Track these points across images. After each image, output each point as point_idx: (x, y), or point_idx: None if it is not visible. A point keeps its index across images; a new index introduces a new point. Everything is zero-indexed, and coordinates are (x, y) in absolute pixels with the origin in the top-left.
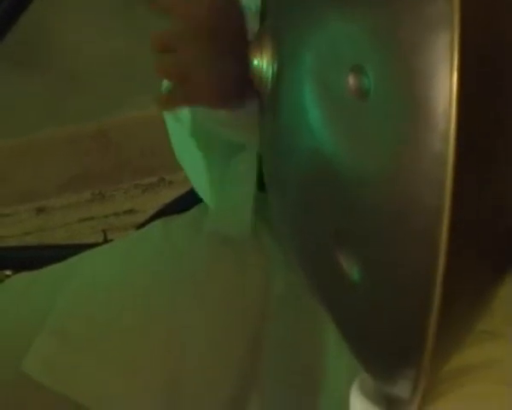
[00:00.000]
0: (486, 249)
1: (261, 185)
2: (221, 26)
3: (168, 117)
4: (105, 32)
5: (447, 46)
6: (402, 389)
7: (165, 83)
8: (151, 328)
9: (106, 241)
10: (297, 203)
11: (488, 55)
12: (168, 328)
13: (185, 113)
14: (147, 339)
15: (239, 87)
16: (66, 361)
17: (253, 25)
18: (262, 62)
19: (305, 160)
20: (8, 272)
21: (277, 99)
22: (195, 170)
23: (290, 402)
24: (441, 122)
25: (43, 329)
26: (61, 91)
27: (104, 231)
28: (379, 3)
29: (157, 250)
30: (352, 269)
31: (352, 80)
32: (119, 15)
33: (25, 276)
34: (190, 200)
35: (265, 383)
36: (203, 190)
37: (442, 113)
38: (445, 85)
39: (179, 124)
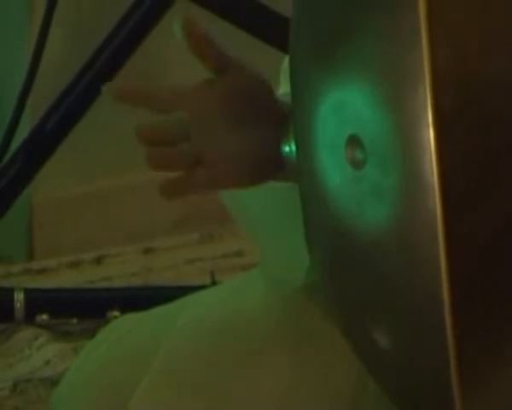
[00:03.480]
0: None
1: None
2: (239, 107)
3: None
4: None
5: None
6: None
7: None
8: (255, 372)
9: (214, 283)
10: (329, 271)
11: (463, 109)
12: (273, 373)
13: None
14: (251, 382)
15: (267, 162)
16: (173, 402)
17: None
18: (290, 144)
19: (326, 228)
20: (115, 313)
21: (299, 170)
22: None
23: None
24: (429, 180)
25: (150, 370)
26: None
27: (212, 273)
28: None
29: (263, 295)
30: (380, 337)
31: (349, 151)
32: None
33: (131, 317)
34: None
35: None
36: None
37: (429, 171)
38: (425, 144)
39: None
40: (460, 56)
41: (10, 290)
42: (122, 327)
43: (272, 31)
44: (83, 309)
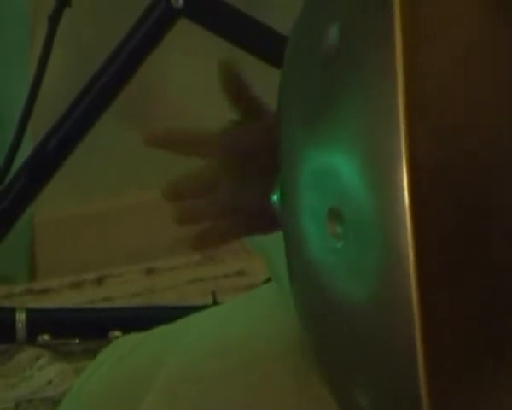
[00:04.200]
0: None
1: None
2: (249, 164)
3: None
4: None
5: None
6: None
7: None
8: (261, 391)
9: (215, 303)
10: (311, 325)
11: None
12: (279, 393)
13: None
14: (256, 402)
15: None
16: None
17: None
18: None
19: (306, 286)
20: (117, 333)
21: (283, 223)
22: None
23: None
24: (405, 260)
25: (151, 390)
26: None
27: (214, 293)
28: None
29: (268, 313)
30: (362, 400)
31: (329, 223)
32: None
33: (133, 337)
34: None
35: None
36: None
37: (405, 251)
38: (403, 225)
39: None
40: (439, 140)
41: (12, 311)
42: (123, 347)
43: (274, 52)
44: (84, 329)
